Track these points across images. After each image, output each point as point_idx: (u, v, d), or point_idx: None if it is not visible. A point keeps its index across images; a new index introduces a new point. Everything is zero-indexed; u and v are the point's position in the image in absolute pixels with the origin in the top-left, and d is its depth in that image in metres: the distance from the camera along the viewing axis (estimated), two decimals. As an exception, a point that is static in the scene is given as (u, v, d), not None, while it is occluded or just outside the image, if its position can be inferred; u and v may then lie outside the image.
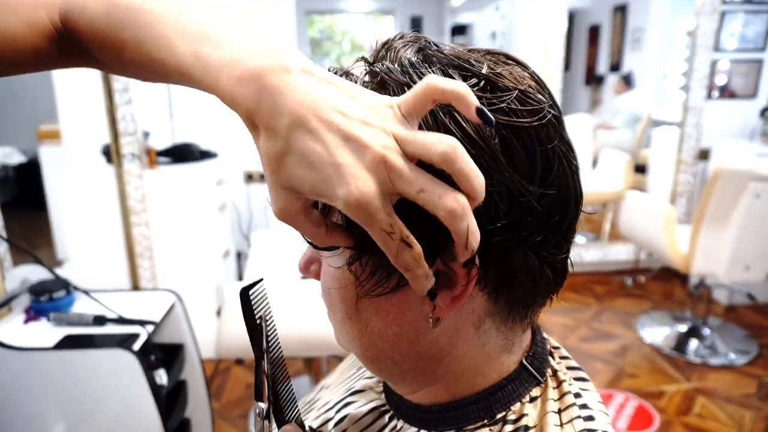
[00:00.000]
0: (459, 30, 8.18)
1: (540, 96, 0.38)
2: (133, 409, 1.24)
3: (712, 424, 2.10)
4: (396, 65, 0.38)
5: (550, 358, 0.47)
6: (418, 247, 0.32)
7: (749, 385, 2.34)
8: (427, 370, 0.43)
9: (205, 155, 2.60)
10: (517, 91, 0.37)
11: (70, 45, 0.43)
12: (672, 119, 3.90)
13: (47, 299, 1.40)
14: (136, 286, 2.36)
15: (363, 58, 0.41)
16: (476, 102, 0.31)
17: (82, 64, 0.45)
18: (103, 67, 0.45)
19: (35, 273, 1.54)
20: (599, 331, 2.81)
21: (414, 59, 0.38)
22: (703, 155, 3.22)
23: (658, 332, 2.77)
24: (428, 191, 0.30)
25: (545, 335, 0.50)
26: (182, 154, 2.53)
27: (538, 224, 0.37)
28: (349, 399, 0.54)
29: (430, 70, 0.37)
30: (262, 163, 0.33)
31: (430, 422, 0.45)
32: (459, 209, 0.30)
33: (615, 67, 5.47)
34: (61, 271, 2.60)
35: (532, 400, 0.43)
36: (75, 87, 2.32)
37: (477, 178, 0.31)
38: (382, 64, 0.38)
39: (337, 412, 0.54)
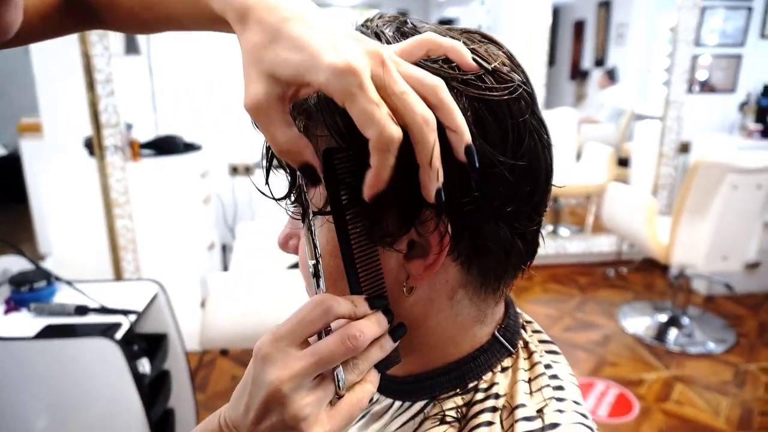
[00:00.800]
0: (445, 24, 8.19)
1: (513, 73, 0.39)
2: (116, 398, 1.24)
3: (690, 410, 2.15)
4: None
5: (522, 331, 0.48)
6: (399, 130, 0.31)
7: (726, 373, 2.39)
8: (402, 341, 0.44)
9: (189, 147, 2.59)
10: (491, 67, 0.38)
11: (77, 9, 0.46)
12: (654, 113, 3.96)
13: (28, 290, 1.39)
14: (119, 279, 2.35)
15: None
16: (468, 52, 0.35)
17: (85, 28, 0.49)
18: (106, 26, 0.49)
19: (16, 264, 1.53)
20: (582, 321, 2.85)
21: (391, 35, 0.39)
22: (684, 148, 3.27)
23: (639, 322, 2.82)
24: (411, 95, 0.32)
25: (518, 310, 0.52)
26: (166, 146, 2.51)
27: (509, 195, 0.38)
28: None
29: None
30: (244, 56, 0.34)
31: (404, 393, 0.46)
32: (431, 120, 0.32)
33: (599, 62, 5.52)
34: (44, 265, 2.58)
35: (504, 370, 0.45)
36: (55, 79, 2.29)
37: (459, 115, 0.34)
38: None
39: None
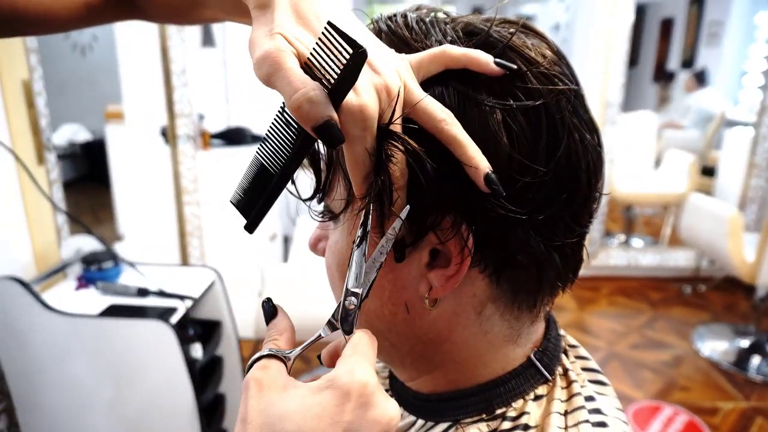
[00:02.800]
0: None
1: (556, 66, 0.35)
2: (168, 379, 1.28)
3: (770, 447, 1.96)
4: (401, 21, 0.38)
5: (563, 356, 0.44)
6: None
7: (816, 409, 2.16)
8: (426, 356, 0.41)
9: (257, 139, 2.65)
10: (523, 69, 0.35)
11: None
12: (747, 119, 3.65)
13: (97, 269, 1.46)
14: (186, 264, 2.45)
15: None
16: (490, 57, 0.33)
17: (127, 16, 0.50)
18: (143, 16, 0.50)
19: (89, 243, 1.62)
20: (651, 340, 2.67)
21: (423, 29, 0.37)
22: (780, 159, 2.99)
23: (716, 345, 2.60)
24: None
25: (563, 332, 0.47)
26: (235, 136, 2.59)
27: (540, 202, 0.34)
28: None
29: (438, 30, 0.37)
30: (256, 31, 0.32)
31: (428, 412, 0.43)
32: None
33: (688, 63, 5.17)
34: (120, 246, 2.73)
35: (537, 398, 0.40)
36: (136, 69, 2.41)
37: (472, 147, 0.32)
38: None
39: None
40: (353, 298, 0.33)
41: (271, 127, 0.35)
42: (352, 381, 0.29)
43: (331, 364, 0.34)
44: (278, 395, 0.29)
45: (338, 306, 0.34)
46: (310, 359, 2.39)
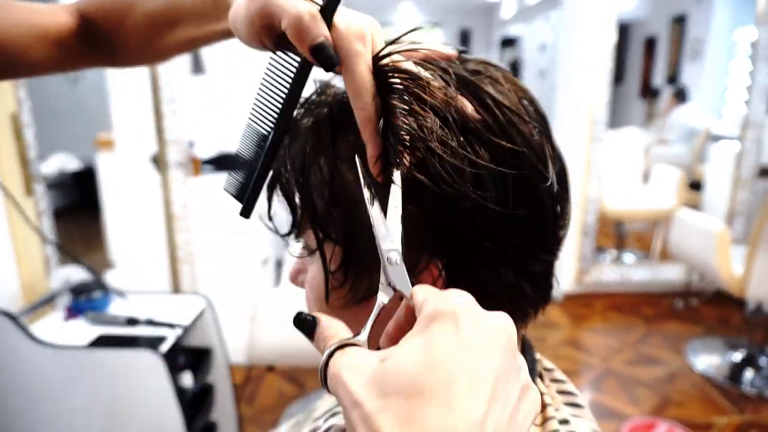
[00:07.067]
0: (508, 42, 8.09)
1: (522, 103, 0.37)
2: (158, 409, 1.27)
3: (767, 461, 1.95)
4: None
5: (539, 380, 0.44)
6: None
7: (811, 422, 2.16)
8: None
9: (248, 164, 2.66)
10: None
11: (89, 34, 0.49)
12: (732, 134, 3.71)
13: (86, 299, 1.45)
14: (177, 290, 2.43)
15: None
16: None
17: (98, 60, 0.51)
18: (117, 54, 0.50)
19: (79, 273, 1.61)
20: (645, 355, 2.67)
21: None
22: (764, 173, 3.03)
23: (710, 360, 2.61)
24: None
25: (538, 356, 0.47)
26: (225, 162, 2.60)
27: (510, 235, 0.35)
28: (337, 409, 0.53)
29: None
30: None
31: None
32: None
33: (672, 79, 5.27)
34: (111, 273, 2.72)
35: None
36: (127, 97, 2.43)
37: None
38: None
39: (325, 421, 0.52)
40: (393, 255, 0.31)
41: (260, 89, 0.37)
42: (454, 303, 0.27)
43: (397, 338, 0.29)
44: (381, 363, 0.26)
45: (383, 269, 0.32)
46: (303, 383, 2.37)
